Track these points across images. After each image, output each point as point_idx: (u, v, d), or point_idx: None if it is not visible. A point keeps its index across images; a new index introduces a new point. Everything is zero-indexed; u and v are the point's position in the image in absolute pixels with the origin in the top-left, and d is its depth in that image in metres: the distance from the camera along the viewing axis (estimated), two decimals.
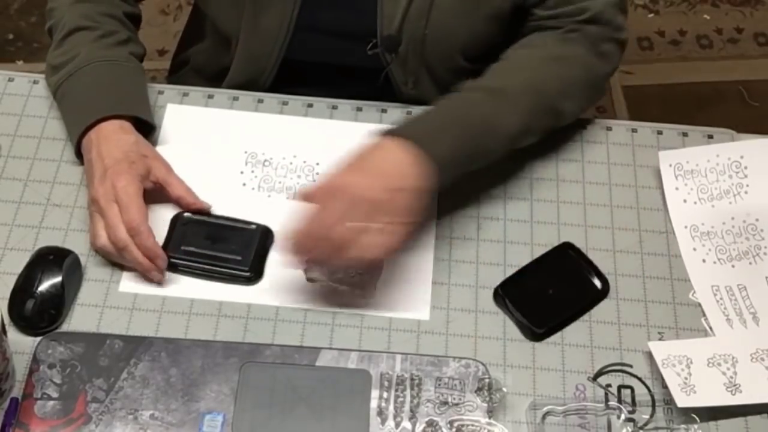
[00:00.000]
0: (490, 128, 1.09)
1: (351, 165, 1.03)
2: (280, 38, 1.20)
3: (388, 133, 1.06)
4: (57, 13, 1.23)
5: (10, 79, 1.26)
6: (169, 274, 1.10)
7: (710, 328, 1.08)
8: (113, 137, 1.12)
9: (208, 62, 1.33)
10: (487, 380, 1.02)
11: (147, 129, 1.17)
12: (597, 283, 1.10)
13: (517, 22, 1.21)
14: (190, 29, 1.44)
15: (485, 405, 1.01)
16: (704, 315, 1.09)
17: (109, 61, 1.18)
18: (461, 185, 1.17)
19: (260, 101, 1.24)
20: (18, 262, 1.09)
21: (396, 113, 1.24)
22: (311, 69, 1.25)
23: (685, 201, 1.17)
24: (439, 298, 1.10)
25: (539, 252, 1.13)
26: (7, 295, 1.07)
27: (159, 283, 1.09)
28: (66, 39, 1.19)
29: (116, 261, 1.09)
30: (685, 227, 1.15)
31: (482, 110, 1.10)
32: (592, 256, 1.13)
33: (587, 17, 1.16)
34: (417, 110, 1.23)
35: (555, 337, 1.07)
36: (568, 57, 1.16)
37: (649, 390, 1.04)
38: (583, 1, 1.16)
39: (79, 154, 1.15)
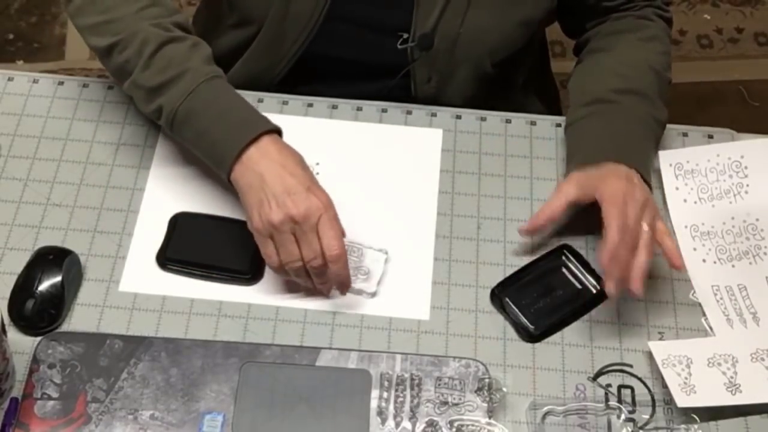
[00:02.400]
0: (656, 125, 1.17)
1: (599, 180, 1.08)
2: (309, 26, 1.19)
3: (590, 161, 1.11)
4: (122, 25, 1.10)
5: (10, 79, 1.26)
6: (169, 274, 1.10)
7: (710, 328, 1.08)
8: (286, 151, 1.06)
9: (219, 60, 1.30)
10: (487, 380, 1.02)
11: None
12: (594, 286, 1.10)
13: (542, 27, 1.28)
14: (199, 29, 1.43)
15: (485, 405, 1.01)
16: (704, 315, 1.09)
17: (221, 76, 1.11)
18: (461, 185, 1.17)
19: (260, 101, 1.24)
20: (18, 262, 1.09)
21: (396, 113, 1.24)
22: (327, 63, 1.25)
23: (685, 201, 1.17)
24: (439, 298, 1.10)
25: (539, 252, 1.13)
26: (7, 295, 1.07)
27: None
28: (156, 55, 1.08)
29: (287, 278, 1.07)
30: (686, 227, 1.15)
31: (645, 112, 1.16)
32: (592, 255, 1.13)
33: None
34: (419, 111, 1.23)
35: (555, 337, 1.07)
36: (658, 34, 1.24)
37: (649, 390, 1.04)
38: None
39: (224, 175, 1.07)
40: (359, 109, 1.24)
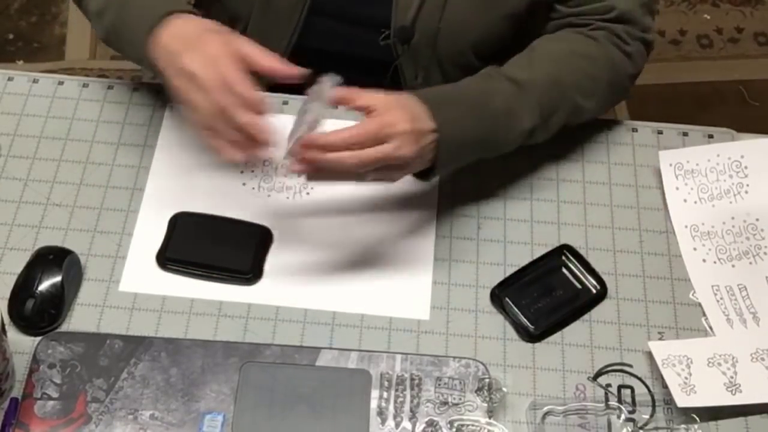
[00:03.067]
0: (509, 121, 1.09)
1: (409, 117, 1.01)
2: (293, 21, 1.20)
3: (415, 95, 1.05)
4: None
5: (10, 79, 1.26)
6: (169, 274, 1.10)
7: (710, 328, 1.08)
8: (191, 21, 1.05)
9: None
10: (487, 380, 1.02)
11: None
12: (594, 286, 1.10)
13: (534, 20, 1.21)
14: None
15: (485, 405, 1.01)
16: (704, 315, 1.09)
17: None
18: (461, 185, 1.17)
19: None
20: (18, 262, 1.09)
21: None
22: (320, 57, 1.25)
23: (685, 201, 1.17)
24: (439, 298, 1.10)
25: (539, 252, 1.13)
26: (7, 295, 1.07)
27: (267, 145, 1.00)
28: None
29: (214, 142, 1.00)
30: (686, 227, 1.15)
31: (506, 101, 1.09)
32: (592, 255, 1.13)
33: (614, 16, 1.16)
34: None
35: (555, 337, 1.07)
36: (594, 55, 1.15)
37: (649, 390, 1.04)
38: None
39: (148, 67, 1.08)
40: None
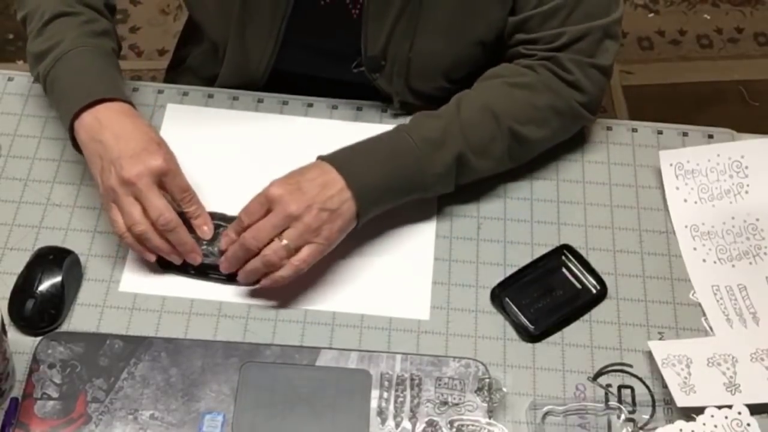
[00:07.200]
0: (429, 150, 1.09)
1: (287, 180, 1.05)
2: (267, 51, 1.20)
3: (326, 157, 1.08)
4: (32, 1, 1.18)
5: (10, 79, 1.26)
6: (169, 274, 1.10)
7: (710, 328, 1.08)
8: (128, 119, 1.08)
9: (203, 64, 1.33)
10: (487, 380, 1.02)
11: None
12: (594, 286, 1.10)
13: (501, 46, 1.20)
14: (188, 29, 1.44)
15: (485, 405, 1.01)
16: (704, 315, 1.09)
17: (97, 48, 1.15)
18: (461, 185, 1.17)
19: (260, 101, 1.24)
20: (18, 262, 1.09)
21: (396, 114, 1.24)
22: (302, 80, 1.25)
23: (685, 201, 1.17)
24: (439, 298, 1.10)
25: (539, 252, 1.13)
26: (7, 295, 1.07)
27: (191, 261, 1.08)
28: (48, 26, 1.15)
29: (142, 248, 1.06)
30: (686, 227, 1.15)
31: (425, 133, 1.09)
32: (592, 255, 1.13)
33: (562, 43, 1.13)
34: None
35: (555, 337, 1.07)
36: (533, 84, 1.13)
37: (649, 390, 1.04)
38: (562, 26, 1.13)
39: (73, 140, 1.11)
40: (359, 109, 1.24)
